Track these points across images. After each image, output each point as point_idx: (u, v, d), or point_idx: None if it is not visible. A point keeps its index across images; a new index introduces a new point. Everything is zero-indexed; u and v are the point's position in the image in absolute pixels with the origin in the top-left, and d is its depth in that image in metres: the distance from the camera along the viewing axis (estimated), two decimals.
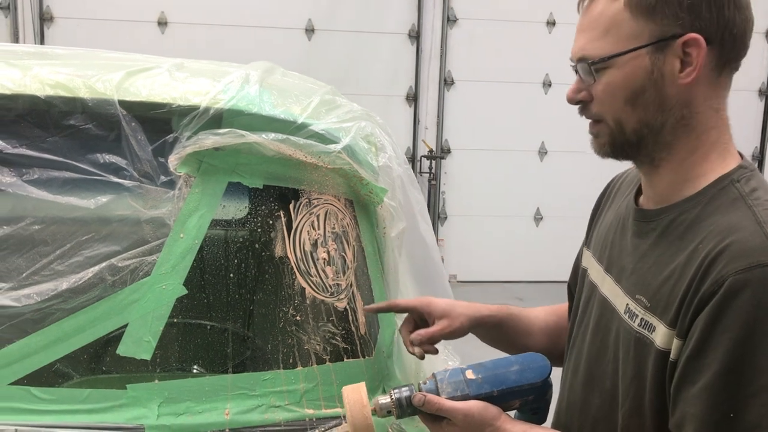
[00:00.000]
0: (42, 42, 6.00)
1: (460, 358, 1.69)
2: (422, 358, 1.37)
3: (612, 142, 1.10)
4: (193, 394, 1.26)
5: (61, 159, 1.27)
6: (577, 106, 1.14)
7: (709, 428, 0.94)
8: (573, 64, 1.12)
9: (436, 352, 1.39)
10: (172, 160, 1.30)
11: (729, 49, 1.04)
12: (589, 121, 1.14)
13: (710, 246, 0.97)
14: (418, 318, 1.40)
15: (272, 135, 1.32)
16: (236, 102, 1.34)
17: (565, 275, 1.48)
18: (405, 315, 1.43)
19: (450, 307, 1.38)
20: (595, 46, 1.06)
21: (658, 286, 1.05)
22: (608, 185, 1.36)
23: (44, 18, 6.04)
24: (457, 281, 6.59)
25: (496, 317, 1.41)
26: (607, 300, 1.18)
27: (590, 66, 1.06)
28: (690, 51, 1.02)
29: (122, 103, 1.28)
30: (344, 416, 1.33)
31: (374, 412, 1.16)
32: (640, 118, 1.06)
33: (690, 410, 0.95)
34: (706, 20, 1.01)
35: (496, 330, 1.43)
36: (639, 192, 1.20)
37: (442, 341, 1.64)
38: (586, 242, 1.35)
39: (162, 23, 6.20)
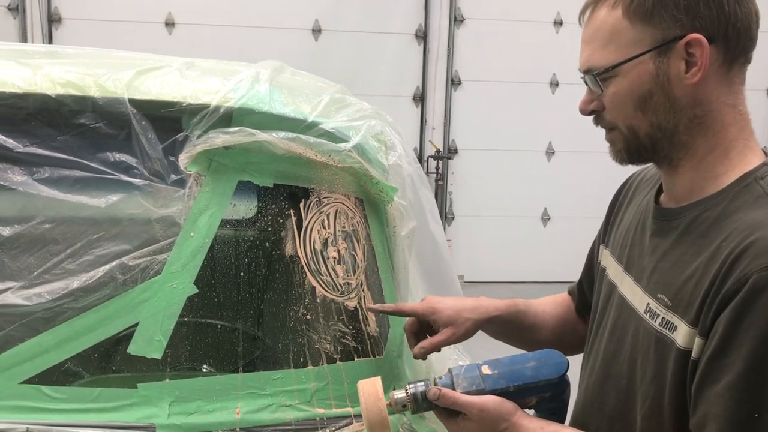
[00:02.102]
0: (50, 43, 6.02)
1: (470, 358, 1.69)
2: (425, 358, 1.39)
3: (627, 149, 1.11)
4: (203, 393, 1.26)
5: (71, 158, 1.27)
6: (591, 117, 1.14)
7: (733, 428, 0.93)
8: (582, 75, 1.13)
9: (438, 350, 1.40)
10: (183, 159, 1.30)
11: (735, 44, 1.03)
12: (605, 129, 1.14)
13: (734, 243, 0.97)
14: (423, 320, 1.40)
15: (282, 134, 1.32)
16: (246, 100, 1.33)
17: (573, 276, 1.48)
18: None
19: (456, 314, 1.36)
20: (599, 57, 1.07)
21: (680, 284, 1.04)
22: (626, 182, 1.35)
23: (52, 19, 6.06)
24: (465, 282, 6.57)
25: (502, 317, 1.40)
26: (625, 299, 1.18)
27: (596, 77, 1.07)
28: (693, 51, 1.01)
29: (132, 101, 1.28)
30: (354, 416, 1.33)
31: (390, 406, 1.16)
32: (651, 122, 1.06)
33: (713, 410, 0.95)
34: (705, 19, 1.01)
35: (503, 327, 1.43)
36: (660, 191, 1.19)
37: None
38: (604, 240, 1.34)
39: (169, 24, 6.21)
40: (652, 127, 1.06)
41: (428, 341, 1.36)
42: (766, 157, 1.07)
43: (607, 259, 1.30)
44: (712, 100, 1.05)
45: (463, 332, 1.36)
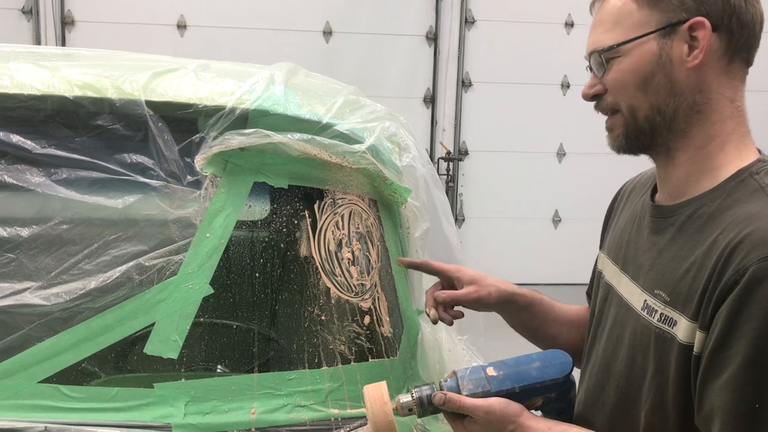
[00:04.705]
0: (63, 45, 6.06)
1: (484, 359, 1.69)
2: (435, 322, 1.40)
3: (626, 133, 1.12)
4: (219, 393, 1.26)
5: (89, 159, 1.28)
6: (593, 104, 1.16)
7: (737, 420, 0.93)
8: (587, 62, 1.15)
9: (451, 323, 1.41)
10: (199, 160, 1.30)
11: (737, 36, 1.06)
12: (605, 117, 1.16)
13: (730, 236, 0.97)
14: (447, 284, 1.44)
15: (297, 135, 1.33)
16: (262, 102, 1.34)
17: (584, 277, 1.48)
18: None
19: (480, 276, 1.41)
20: (605, 38, 1.11)
21: (677, 279, 1.04)
22: (620, 190, 1.38)
23: (65, 22, 6.10)
24: None
25: (527, 297, 1.42)
26: (623, 298, 1.18)
27: (600, 55, 1.10)
28: (696, 35, 1.04)
29: (149, 103, 1.29)
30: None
31: (396, 411, 1.16)
32: (651, 104, 1.08)
33: (716, 403, 0.95)
34: (711, 5, 1.04)
35: (525, 311, 1.43)
36: (654, 191, 1.20)
37: (466, 344, 1.64)
38: (601, 246, 1.36)
39: (181, 26, 6.24)
40: (652, 109, 1.09)
41: (447, 292, 1.39)
42: (761, 154, 1.09)
43: (603, 262, 1.31)
44: (713, 90, 1.07)
45: (486, 294, 1.39)
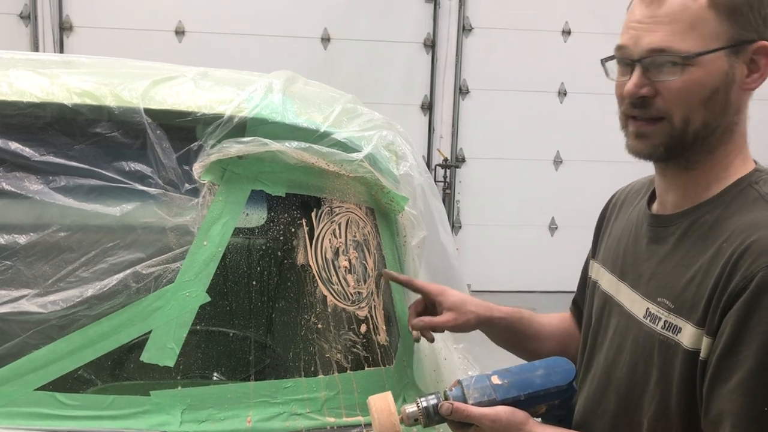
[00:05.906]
0: (61, 51, 6.06)
1: (480, 368, 1.69)
2: (417, 341, 1.43)
3: (668, 143, 1.08)
4: (215, 401, 1.26)
5: (87, 166, 1.28)
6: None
7: (748, 424, 0.94)
8: (635, 58, 1.07)
9: (432, 340, 1.45)
10: (197, 168, 1.31)
11: None
12: (638, 122, 1.09)
13: (735, 244, 0.99)
14: (429, 303, 1.45)
15: (295, 143, 1.33)
16: (260, 110, 1.35)
17: None
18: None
19: (461, 303, 1.42)
20: (680, 40, 1.03)
21: (682, 287, 1.05)
22: (611, 199, 1.38)
23: (64, 27, 6.10)
24: (471, 291, 6.55)
25: (506, 320, 1.44)
26: (623, 307, 1.19)
27: (682, 59, 1.03)
28: (758, 59, 1.04)
29: (148, 111, 1.30)
30: (365, 425, 1.33)
31: (401, 420, 1.16)
32: (705, 119, 1.06)
33: (726, 407, 0.96)
34: None
35: (506, 332, 1.46)
36: (651, 200, 1.21)
37: (462, 352, 1.65)
38: (594, 255, 1.36)
39: (179, 32, 6.25)
40: (704, 124, 1.06)
41: (427, 318, 1.42)
42: (756, 164, 1.11)
43: (598, 272, 1.31)
44: (742, 111, 1.09)
45: (464, 321, 1.41)
